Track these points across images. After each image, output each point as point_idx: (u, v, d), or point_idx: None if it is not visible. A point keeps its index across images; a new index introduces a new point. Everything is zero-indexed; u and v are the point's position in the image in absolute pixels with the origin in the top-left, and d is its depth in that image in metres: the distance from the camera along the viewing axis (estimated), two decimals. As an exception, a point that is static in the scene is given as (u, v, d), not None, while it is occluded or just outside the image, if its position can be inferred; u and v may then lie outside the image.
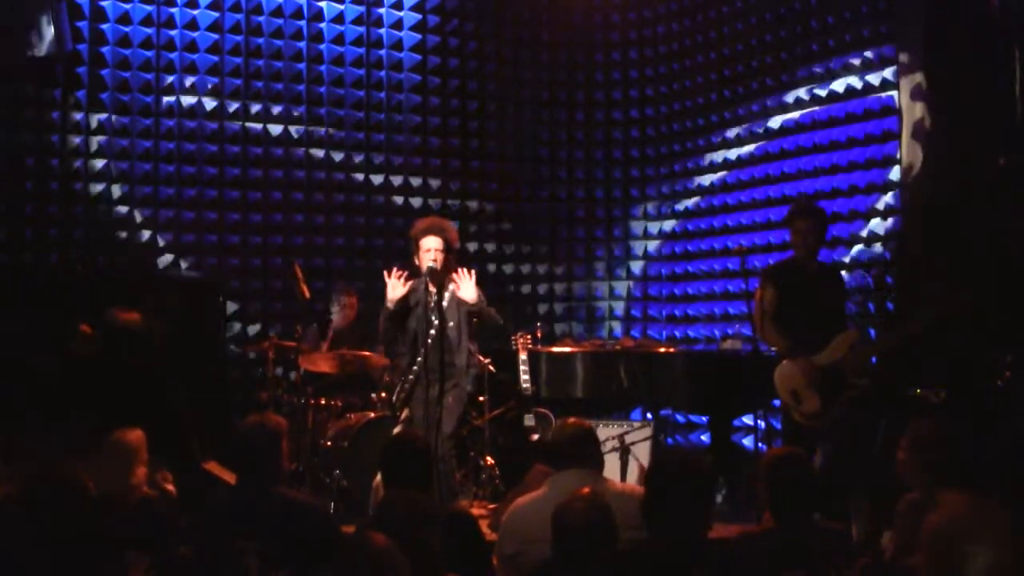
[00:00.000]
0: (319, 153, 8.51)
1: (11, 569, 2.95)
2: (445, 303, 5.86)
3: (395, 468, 3.81)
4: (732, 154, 8.52)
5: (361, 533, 3.31)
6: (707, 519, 3.38)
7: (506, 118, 9.15)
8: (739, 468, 6.74)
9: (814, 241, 5.91)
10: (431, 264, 5.76)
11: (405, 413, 6.07)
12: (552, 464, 4.06)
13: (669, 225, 9.08)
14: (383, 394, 6.82)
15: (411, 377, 5.86)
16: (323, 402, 7.03)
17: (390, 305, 5.80)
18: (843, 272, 6.75)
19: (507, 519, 3.96)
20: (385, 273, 5.86)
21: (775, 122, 8.09)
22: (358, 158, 8.63)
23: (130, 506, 3.96)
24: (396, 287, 5.79)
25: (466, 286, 5.81)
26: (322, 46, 8.52)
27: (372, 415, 6.67)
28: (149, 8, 8.04)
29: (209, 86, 8.18)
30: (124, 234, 7.92)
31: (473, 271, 5.89)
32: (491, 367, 7.00)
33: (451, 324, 5.86)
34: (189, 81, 8.13)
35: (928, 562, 2.46)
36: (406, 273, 5.85)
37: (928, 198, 6.75)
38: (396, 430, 6.08)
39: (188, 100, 8.14)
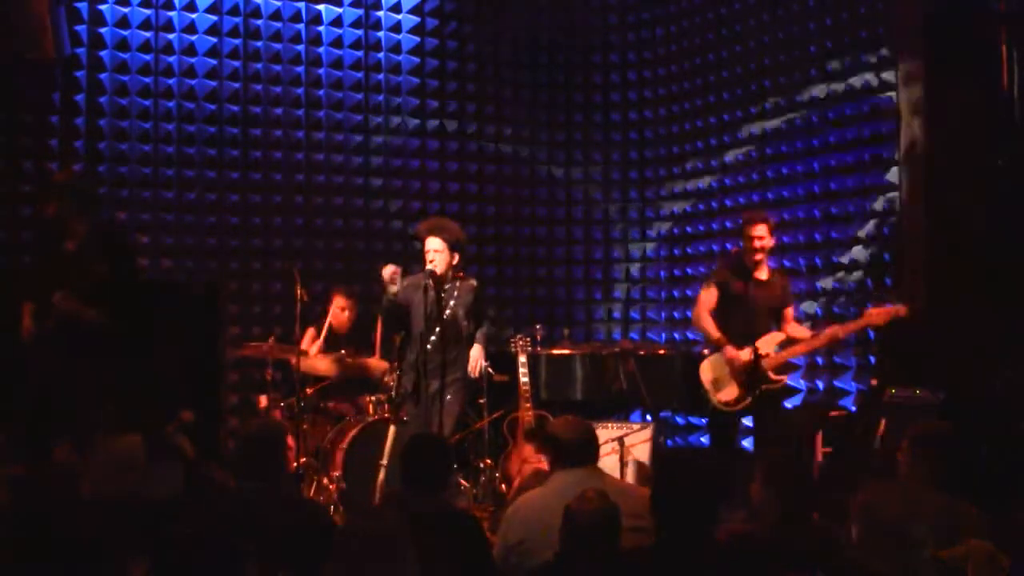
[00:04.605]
0: (319, 156, 8.52)
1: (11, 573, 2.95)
2: (443, 301, 5.95)
3: (414, 467, 3.81)
4: (730, 157, 8.53)
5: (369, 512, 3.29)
6: (716, 517, 3.39)
7: (504, 120, 9.15)
8: (738, 469, 6.73)
9: (761, 247, 6.36)
10: (430, 266, 5.93)
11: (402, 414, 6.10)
12: (557, 462, 4.09)
13: (668, 228, 9.09)
14: (382, 396, 6.82)
15: (411, 374, 6.01)
16: (322, 405, 7.04)
17: (391, 296, 5.99)
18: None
19: (513, 509, 4.04)
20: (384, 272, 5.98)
21: (773, 124, 8.09)
22: (357, 161, 8.64)
23: (128, 508, 3.95)
24: (393, 280, 5.96)
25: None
26: (320, 49, 8.53)
27: (371, 418, 6.67)
28: (147, 12, 8.04)
29: (208, 90, 8.18)
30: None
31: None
32: (490, 369, 7.00)
33: (451, 322, 5.97)
34: (188, 85, 8.14)
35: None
36: (400, 269, 6.03)
37: (926, 200, 6.77)
38: (391, 431, 6.12)
39: (187, 104, 8.14)
